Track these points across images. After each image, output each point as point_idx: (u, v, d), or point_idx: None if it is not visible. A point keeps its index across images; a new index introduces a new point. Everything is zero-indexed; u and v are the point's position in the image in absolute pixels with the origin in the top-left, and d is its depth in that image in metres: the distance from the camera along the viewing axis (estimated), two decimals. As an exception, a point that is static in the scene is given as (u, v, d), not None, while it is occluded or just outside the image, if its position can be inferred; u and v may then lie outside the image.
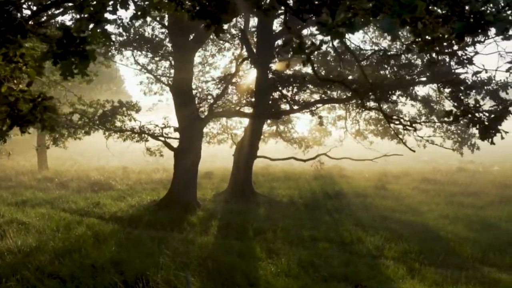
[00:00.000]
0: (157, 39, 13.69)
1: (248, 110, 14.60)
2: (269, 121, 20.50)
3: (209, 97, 12.86)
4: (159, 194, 14.67)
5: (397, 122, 10.35)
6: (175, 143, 13.60)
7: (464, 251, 8.94)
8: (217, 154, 27.42)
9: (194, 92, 13.78)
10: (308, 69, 12.59)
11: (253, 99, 12.47)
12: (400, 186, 18.04)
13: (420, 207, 13.81)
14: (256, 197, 14.94)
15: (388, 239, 9.70)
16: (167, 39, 13.51)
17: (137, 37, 13.37)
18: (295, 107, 12.04)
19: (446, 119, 6.02)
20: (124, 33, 13.76)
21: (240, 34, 16.08)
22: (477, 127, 3.52)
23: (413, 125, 10.92)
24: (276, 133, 20.93)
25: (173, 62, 12.97)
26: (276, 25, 15.61)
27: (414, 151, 10.87)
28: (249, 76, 18.51)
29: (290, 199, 15.09)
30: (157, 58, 13.93)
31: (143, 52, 13.84)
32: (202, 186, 18.28)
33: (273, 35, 14.88)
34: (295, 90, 11.96)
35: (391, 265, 8.08)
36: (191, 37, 12.64)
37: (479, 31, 2.43)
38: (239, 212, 12.55)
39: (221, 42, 18.60)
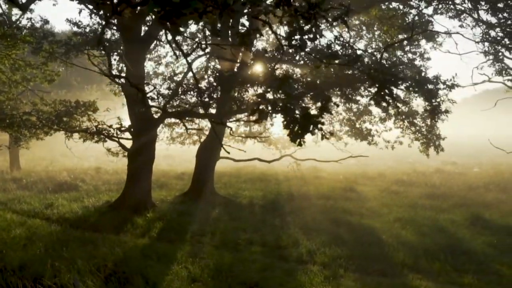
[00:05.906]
0: (111, 38, 13.55)
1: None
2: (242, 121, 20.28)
3: (160, 97, 12.66)
4: (120, 195, 14.50)
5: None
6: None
7: (397, 257, 8.59)
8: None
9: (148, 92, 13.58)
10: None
11: (206, 99, 12.27)
12: (371, 188, 17.68)
13: (380, 209, 13.44)
14: (215, 198, 14.72)
15: (325, 244, 9.39)
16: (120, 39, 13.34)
17: (92, 35, 13.23)
18: (243, 107, 11.81)
19: (251, 117, 5.69)
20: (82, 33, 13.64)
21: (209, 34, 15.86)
22: (291, 127, 3.22)
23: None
24: (250, 134, 20.71)
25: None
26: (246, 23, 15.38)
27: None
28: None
29: (251, 200, 14.83)
30: (112, 58, 13.74)
31: (99, 52, 13.72)
32: (171, 187, 18.13)
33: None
34: (241, 90, 11.74)
35: (314, 271, 7.78)
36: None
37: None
38: (189, 213, 12.34)
39: (192, 41, 18.42)
